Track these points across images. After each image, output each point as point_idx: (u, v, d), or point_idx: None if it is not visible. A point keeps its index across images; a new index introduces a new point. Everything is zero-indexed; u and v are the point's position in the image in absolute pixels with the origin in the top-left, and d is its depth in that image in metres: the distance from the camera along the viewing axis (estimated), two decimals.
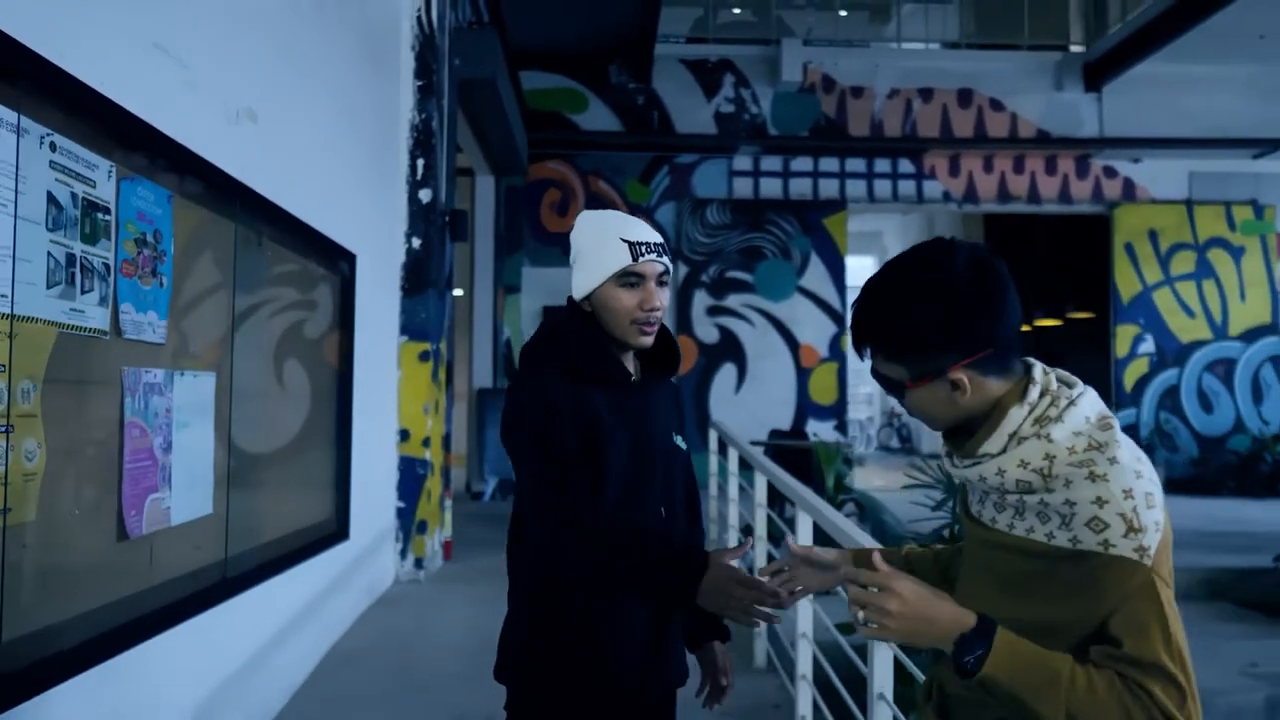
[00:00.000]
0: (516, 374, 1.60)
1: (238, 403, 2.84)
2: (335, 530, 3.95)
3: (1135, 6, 10.41)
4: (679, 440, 1.72)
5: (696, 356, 10.85)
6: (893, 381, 1.24)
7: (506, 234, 10.40)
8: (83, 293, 2.04)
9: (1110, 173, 11.34)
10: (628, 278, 1.56)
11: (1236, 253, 11.39)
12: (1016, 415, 1.16)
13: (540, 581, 1.56)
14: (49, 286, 1.92)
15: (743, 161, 11.12)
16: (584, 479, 1.52)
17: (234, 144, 2.83)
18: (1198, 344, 11.33)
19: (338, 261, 3.92)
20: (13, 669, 1.75)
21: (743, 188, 11.12)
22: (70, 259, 1.99)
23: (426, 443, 5.34)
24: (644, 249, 1.57)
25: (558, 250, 10.94)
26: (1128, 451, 1.12)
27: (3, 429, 1.74)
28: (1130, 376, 11.29)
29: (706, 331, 10.91)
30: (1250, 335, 11.36)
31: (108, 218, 2.14)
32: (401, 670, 3.73)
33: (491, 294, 9.91)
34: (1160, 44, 10.02)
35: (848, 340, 11.72)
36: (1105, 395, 11.62)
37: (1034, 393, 1.17)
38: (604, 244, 1.57)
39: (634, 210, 10.93)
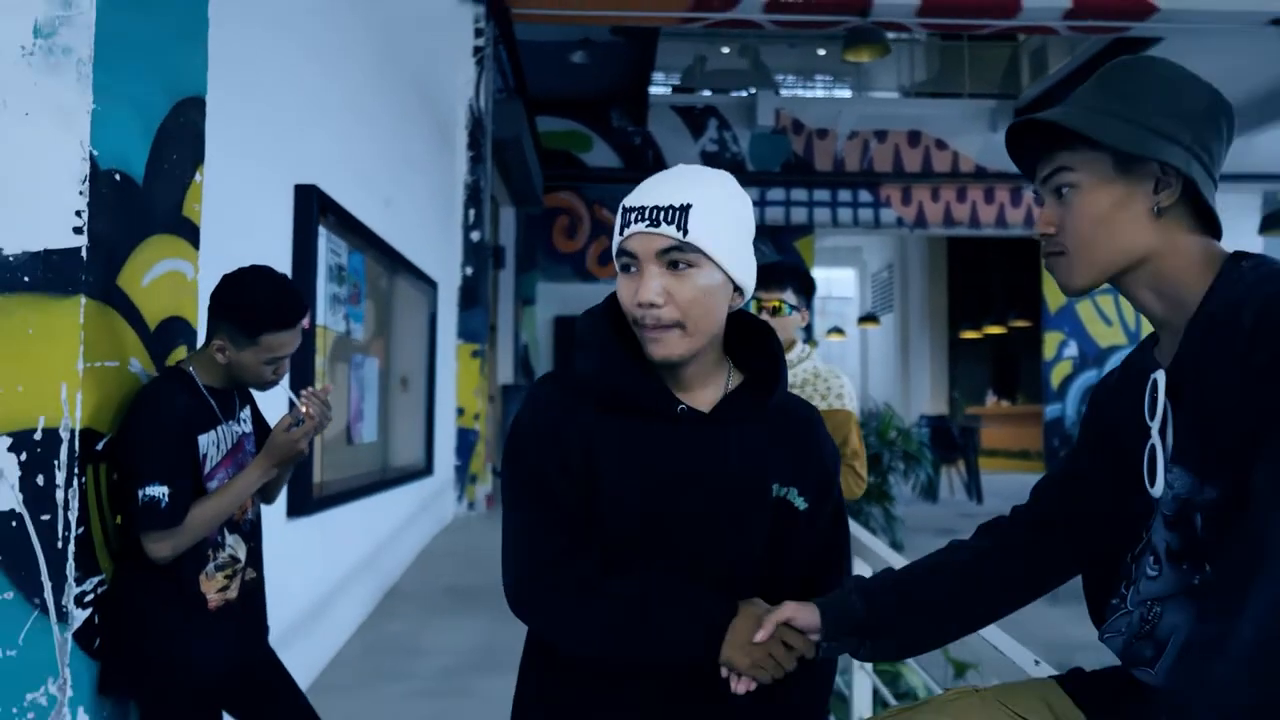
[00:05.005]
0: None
1: (390, 377, 4.72)
2: (424, 468, 5.82)
3: (1056, 64, 12.31)
4: (783, 492, 1.22)
5: None
6: (787, 304, 2.58)
7: (524, 254, 12.29)
8: (336, 313, 3.93)
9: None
10: (621, 259, 1.16)
11: None
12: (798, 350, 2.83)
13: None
14: (329, 310, 3.80)
15: None
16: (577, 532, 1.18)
17: (384, 220, 4.71)
18: (1114, 348, 13.18)
19: (429, 288, 5.81)
20: (324, 495, 3.63)
21: None
22: (335, 295, 3.88)
23: (476, 418, 7.23)
24: (634, 216, 1.13)
25: (568, 268, 12.89)
26: (845, 376, 2.82)
27: (318, 380, 3.63)
28: (1057, 376, 13.15)
29: None
30: None
31: (344, 272, 4.03)
32: (467, 568, 5.59)
33: (512, 306, 11.79)
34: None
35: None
36: (1038, 392, 13.51)
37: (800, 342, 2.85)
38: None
39: None
